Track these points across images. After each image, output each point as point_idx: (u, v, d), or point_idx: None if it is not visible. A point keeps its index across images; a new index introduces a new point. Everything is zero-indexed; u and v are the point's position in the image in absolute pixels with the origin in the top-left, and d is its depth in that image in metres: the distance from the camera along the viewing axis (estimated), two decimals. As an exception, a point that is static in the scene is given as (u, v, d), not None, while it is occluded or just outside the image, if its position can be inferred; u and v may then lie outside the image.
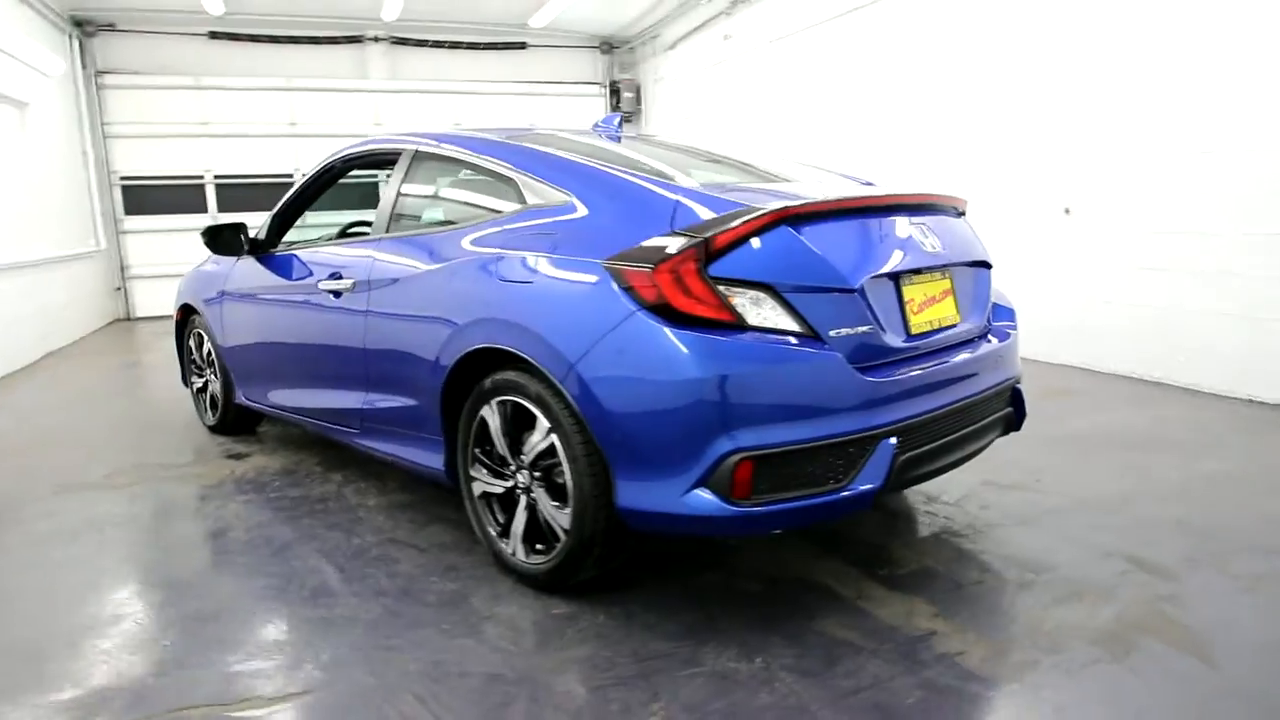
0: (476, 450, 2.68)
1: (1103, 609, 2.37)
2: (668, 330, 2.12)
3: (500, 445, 2.58)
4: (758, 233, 2.20)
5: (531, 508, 2.52)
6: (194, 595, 2.61)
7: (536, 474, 2.49)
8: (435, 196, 3.15)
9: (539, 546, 2.53)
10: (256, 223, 3.99)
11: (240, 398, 4.20)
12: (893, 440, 2.22)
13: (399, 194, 3.15)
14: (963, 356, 2.53)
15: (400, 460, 3.07)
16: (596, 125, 3.54)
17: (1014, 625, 2.31)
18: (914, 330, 2.42)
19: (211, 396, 4.53)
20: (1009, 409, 2.76)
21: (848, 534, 2.94)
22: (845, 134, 7.74)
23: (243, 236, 3.88)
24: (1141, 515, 3.03)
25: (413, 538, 3.03)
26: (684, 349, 2.10)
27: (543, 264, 2.41)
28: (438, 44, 11.00)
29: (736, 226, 2.18)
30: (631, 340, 2.17)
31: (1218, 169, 4.71)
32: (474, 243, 2.69)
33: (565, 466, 2.34)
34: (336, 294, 3.23)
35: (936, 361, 2.43)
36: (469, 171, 2.97)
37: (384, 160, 3.60)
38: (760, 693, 2.01)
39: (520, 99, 11.49)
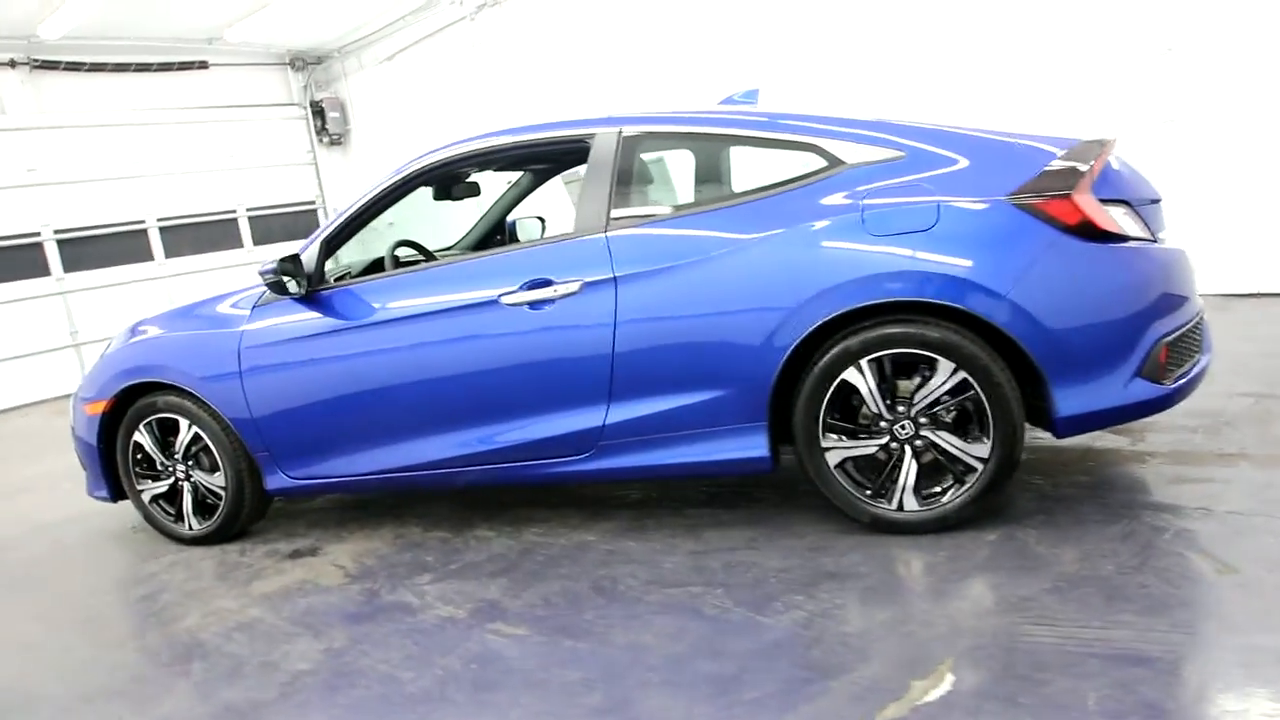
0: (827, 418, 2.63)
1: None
2: (1095, 246, 2.40)
3: (874, 403, 2.58)
4: (1107, 161, 2.55)
5: (918, 454, 2.58)
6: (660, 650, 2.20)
7: (923, 420, 2.56)
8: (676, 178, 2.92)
9: (939, 489, 2.60)
10: None
11: (281, 482, 3.34)
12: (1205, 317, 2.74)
13: (616, 182, 2.86)
14: None
15: (672, 469, 2.83)
16: (731, 99, 3.51)
17: None
18: None
19: (198, 497, 3.50)
20: None
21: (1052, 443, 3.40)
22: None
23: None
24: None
25: (712, 545, 2.82)
26: (1117, 260, 2.42)
27: (931, 210, 2.48)
28: (97, 67, 9.08)
29: (1100, 156, 2.50)
30: (1066, 260, 2.40)
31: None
32: (792, 210, 2.62)
33: (984, 397, 2.47)
34: (537, 305, 2.83)
35: None
36: (729, 145, 2.83)
37: (529, 156, 3.21)
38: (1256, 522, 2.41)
39: (206, 127, 9.96)
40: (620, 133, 2.91)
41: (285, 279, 3.06)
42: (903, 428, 2.58)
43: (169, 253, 9.42)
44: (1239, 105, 5.19)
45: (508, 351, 2.91)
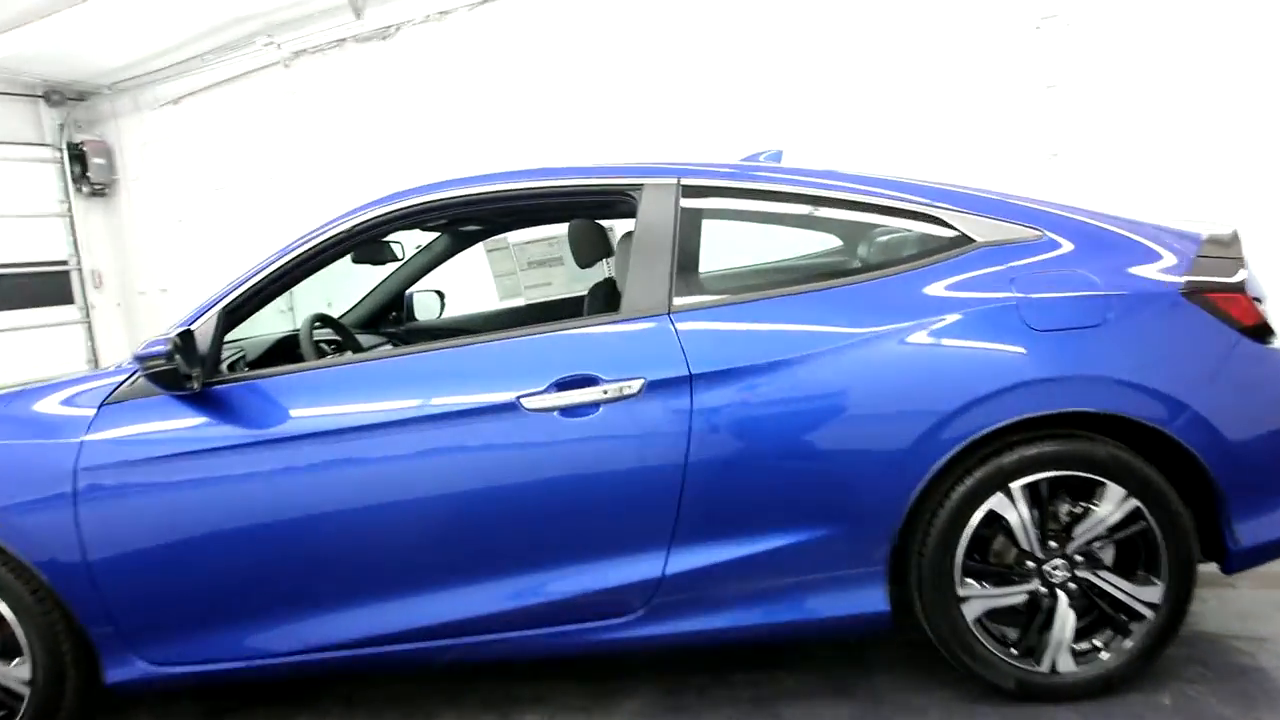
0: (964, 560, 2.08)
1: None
2: (1267, 349, 2.08)
3: (1027, 539, 2.06)
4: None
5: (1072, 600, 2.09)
6: None
7: (1080, 558, 2.08)
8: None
9: (1096, 644, 2.11)
10: None
11: (134, 671, 2.20)
12: None
13: (678, 249, 2.16)
14: None
15: (750, 632, 2.14)
16: (755, 159, 2.93)
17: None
18: None
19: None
20: None
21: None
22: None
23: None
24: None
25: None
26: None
27: (1099, 304, 2.03)
28: None
29: (1239, 249, 2.22)
30: (1246, 365, 2.06)
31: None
32: (917, 294, 2.08)
33: (1157, 529, 2.04)
34: (574, 411, 2.06)
35: None
36: (823, 210, 2.24)
37: (536, 209, 2.45)
38: None
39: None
40: (679, 183, 2.25)
41: (181, 366, 2.03)
42: (1055, 568, 2.08)
43: None
44: (1123, 139, 5.25)
45: (529, 473, 2.09)
